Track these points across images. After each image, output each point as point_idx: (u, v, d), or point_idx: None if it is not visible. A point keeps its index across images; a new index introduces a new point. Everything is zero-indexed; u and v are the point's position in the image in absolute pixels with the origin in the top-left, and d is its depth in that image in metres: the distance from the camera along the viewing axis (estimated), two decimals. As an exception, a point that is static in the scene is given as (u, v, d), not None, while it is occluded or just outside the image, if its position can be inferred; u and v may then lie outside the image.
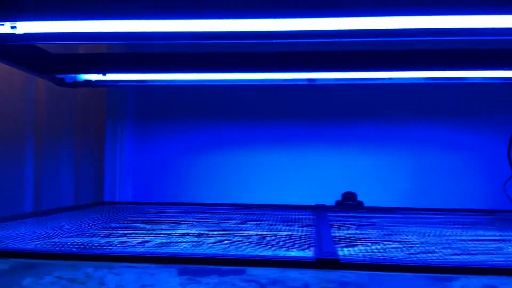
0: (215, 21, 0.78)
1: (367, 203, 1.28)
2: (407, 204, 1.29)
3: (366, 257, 0.61)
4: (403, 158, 1.45)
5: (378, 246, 0.69)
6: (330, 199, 1.30)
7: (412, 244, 0.72)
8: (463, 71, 1.14)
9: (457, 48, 1.11)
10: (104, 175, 1.68)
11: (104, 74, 1.23)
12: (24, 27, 0.87)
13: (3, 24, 0.87)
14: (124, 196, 1.63)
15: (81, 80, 1.30)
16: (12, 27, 0.87)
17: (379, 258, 0.60)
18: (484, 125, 1.41)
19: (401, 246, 0.70)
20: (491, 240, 0.80)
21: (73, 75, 1.27)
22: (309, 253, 0.62)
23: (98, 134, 1.75)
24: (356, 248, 0.67)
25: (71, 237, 0.76)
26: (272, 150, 1.53)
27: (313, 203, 1.26)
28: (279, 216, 1.04)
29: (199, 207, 1.27)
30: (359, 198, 1.29)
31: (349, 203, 1.26)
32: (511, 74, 1.16)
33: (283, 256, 0.60)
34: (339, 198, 1.30)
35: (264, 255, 0.61)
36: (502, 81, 1.21)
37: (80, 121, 1.74)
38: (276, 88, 1.48)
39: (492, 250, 0.70)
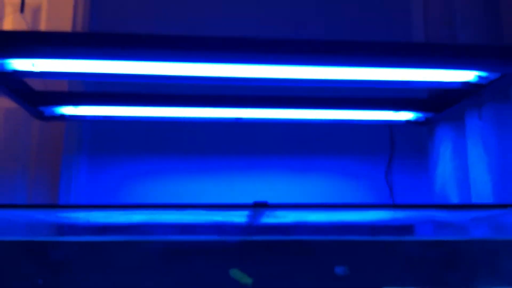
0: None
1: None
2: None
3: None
4: (311, 184, 1.86)
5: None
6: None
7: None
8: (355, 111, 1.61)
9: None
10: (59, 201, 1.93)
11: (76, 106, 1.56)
12: (42, 65, 1.20)
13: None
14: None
15: (57, 115, 1.61)
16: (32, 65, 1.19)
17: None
18: (367, 156, 1.87)
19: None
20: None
21: (51, 109, 1.57)
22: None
23: (52, 168, 2.00)
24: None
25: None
26: (202, 178, 1.87)
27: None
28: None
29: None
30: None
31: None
32: (385, 116, 1.65)
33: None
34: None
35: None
36: (379, 122, 1.70)
37: (34, 155, 1.99)
38: (208, 126, 1.85)
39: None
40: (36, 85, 1.59)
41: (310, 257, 1.20)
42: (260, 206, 0.94)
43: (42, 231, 1.45)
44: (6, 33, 1.16)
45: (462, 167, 1.55)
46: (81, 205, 1.68)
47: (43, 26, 1.92)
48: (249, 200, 1.45)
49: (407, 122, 1.69)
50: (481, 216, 1.37)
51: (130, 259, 1.22)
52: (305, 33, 1.86)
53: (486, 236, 1.37)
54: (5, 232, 1.41)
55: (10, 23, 1.86)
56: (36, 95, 1.51)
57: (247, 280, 1.06)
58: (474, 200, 1.45)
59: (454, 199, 1.58)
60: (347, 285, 1.22)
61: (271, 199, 1.78)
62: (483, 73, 1.24)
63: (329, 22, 1.90)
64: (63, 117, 1.62)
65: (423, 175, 1.85)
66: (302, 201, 1.77)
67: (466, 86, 1.32)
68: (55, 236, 1.38)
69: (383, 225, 1.51)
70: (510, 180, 1.33)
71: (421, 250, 1.36)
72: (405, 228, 1.54)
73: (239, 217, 1.08)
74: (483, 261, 1.32)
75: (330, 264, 1.19)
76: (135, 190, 1.87)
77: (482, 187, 1.41)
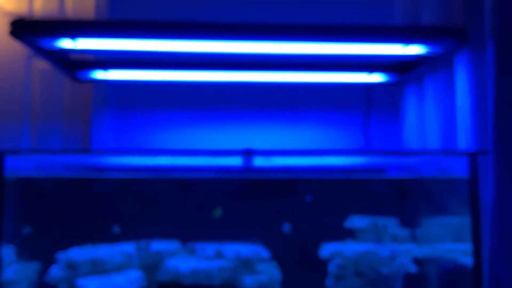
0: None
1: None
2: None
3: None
4: (298, 134, 2.20)
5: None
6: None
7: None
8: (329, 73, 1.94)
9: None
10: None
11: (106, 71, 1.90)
12: (83, 43, 1.54)
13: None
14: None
15: (90, 78, 1.96)
16: (73, 42, 1.53)
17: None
18: (348, 111, 2.21)
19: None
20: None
21: (85, 73, 1.92)
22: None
23: (83, 120, 2.36)
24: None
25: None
26: (205, 128, 2.20)
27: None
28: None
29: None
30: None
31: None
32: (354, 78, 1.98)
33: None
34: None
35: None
36: (358, 84, 2.03)
37: (68, 109, 2.34)
38: (211, 87, 2.18)
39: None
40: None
41: (289, 191, 1.58)
42: (249, 153, 1.30)
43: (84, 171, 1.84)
44: (55, 21, 1.49)
45: (421, 119, 1.89)
46: (116, 150, 2.05)
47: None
48: (244, 145, 1.82)
49: (381, 83, 2.01)
50: (430, 160, 1.73)
51: (154, 192, 1.61)
52: (299, 16, 2.16)
53: (431, 175, 1.73)
54: (53, 171, 1.80)
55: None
56: (73, 62, 1.85)
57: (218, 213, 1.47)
58: (429, 146, 1.80)
59: (415, 146, 1.92)
60: (317, 211, 1.60)
61: (264, 146, 2.15)
62: (429, 48, 1.56)
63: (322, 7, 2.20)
64: (94, 80, 1.96)
65: (397, 126, 2.18)
66: (290, 148, 2.13)
67: (419, 57, 1.65)
68: (96, 174, 1.77)
69: (355, 167, 1.87)
70: (454, 128, 1.67)
71: (380, 186, 1.73)
72: (373, 169, 1.91)
73: (235, 160, 1.45)
74: (427, 194, 1.69)
75: (303, 195, 1.58)
76: (151, 137, 2.24)
77: (433, 135, 1.76)
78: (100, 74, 1.93)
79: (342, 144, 2.18)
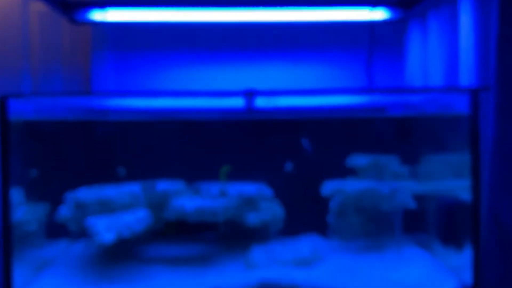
0: None
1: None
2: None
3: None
4: (300, 73, 2.19)
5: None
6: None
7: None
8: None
9: None
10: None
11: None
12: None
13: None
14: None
15: (88, 20, 1.93)
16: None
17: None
18: (351, 50, 2.18)
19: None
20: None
21: (83, 13, 1.88)
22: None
23: (83, 62, 2.34)
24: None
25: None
26: (207, 68, 2.19)
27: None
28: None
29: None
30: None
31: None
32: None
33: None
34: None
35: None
36: (361, 23, 1.99)
37: (67, 52, 2.32)
38: (212, 28, 2.15)
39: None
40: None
41: (291, 131, 1.59)
42: (251, 93, 1.30)
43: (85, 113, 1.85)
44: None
45: (424, 56, 1.87)
46: (117, 92, 2.04)
47: None
48: (246, 85, 1.80)
49: (385, 21, 1.98)
50: (432, 97, 1.73)
51: (158, 134, 1.62)
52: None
53: (433, 113, 1.74)
54: (55, 114, 1.82)
55: None
56: (70, 3, 1.82)
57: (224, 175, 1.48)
58: (432, 83, 1.79)
59: (418, 83, 1.92)
60: (319, 151, 1.62)
61: (265, 86, 2.14)
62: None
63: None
64: (92, 21, 1.93)
65: (400, 64, 2.17)
66: (292, 87, 2.12)
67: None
68: (99, 116, 1.78)
69: (357, 106, 1.87)
70: (457, 65, 1.65)
71: (382, 124, 1.74)
72: (376, 108, 1.91)
73: (236, 101, 1.45)
74: (429, 132, 1.70)
75: (305, 135, 1.59)
76: (152, 78, 2.22)
77: (436, 72, 1.75)
78: (98, 15, 1.90)
79: (345, 83, 2.17)
